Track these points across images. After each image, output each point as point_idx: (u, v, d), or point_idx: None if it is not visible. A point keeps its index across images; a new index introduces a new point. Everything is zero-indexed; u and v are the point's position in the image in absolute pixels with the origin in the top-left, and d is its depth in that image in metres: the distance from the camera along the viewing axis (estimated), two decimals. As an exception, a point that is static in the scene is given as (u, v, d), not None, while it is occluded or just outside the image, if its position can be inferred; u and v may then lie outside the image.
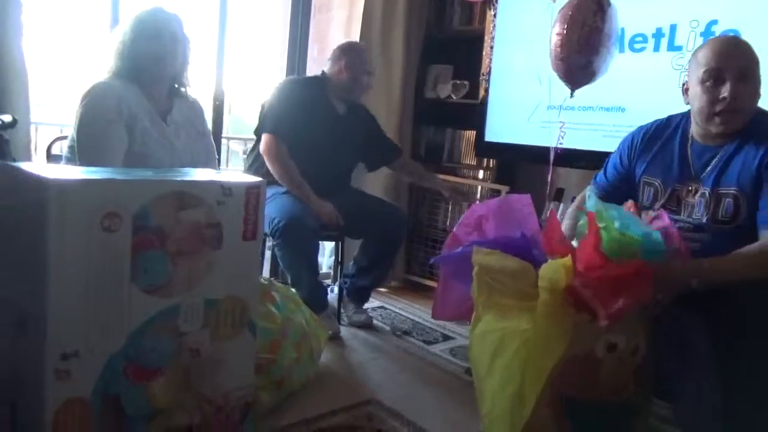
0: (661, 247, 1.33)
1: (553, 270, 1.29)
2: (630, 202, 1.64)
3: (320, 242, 2.48)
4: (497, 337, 1.35)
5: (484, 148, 2.89)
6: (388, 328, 2.50)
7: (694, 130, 1.54)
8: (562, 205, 2.29)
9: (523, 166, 2.91)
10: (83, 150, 1.75)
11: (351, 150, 2.53)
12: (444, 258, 1.66)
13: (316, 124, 2.36)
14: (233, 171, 3.78)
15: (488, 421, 1.38)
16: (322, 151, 2.37)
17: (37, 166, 1.19)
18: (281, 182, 2.29)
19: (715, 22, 2.11)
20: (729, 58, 1.43)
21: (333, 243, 2.82)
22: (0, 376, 1.19)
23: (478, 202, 1.66)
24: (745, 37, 2.04)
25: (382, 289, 2.98)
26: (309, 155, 2.33)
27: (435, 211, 3.13)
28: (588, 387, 1.33)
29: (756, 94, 1.47)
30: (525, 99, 2.66)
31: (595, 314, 1.24)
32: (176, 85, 1.96)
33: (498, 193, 2.82)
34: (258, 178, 1.31)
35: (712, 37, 1.60)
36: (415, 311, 2.75)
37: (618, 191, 1.68)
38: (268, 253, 2.54)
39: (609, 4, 1.83)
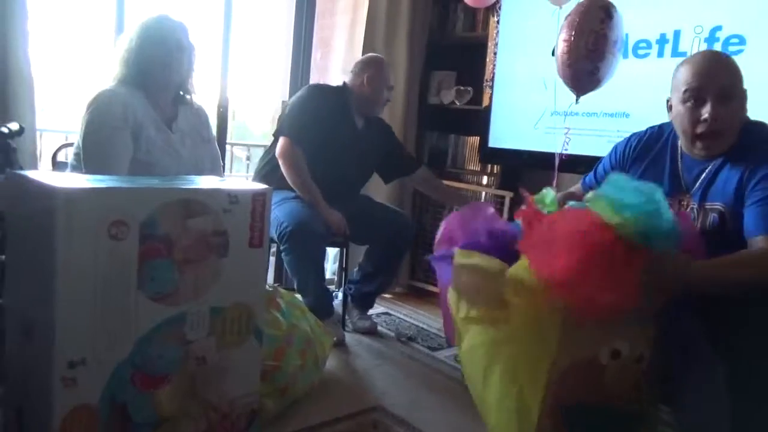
0: (671, 231, 1.23)
1: (520, 271, 1.25)
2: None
3: (326, 248, 2.48)
4: (484, 352, 1.33)
5: (488, 154, 2.89)
6: (392, 334, 2.50)
7: (682, 144, 1.52)
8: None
9: (527, 172, 2.91)
10: (89, 157, 1.76)
11: (366, 164, 2.53)
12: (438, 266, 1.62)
13: (334, 134, 2.36)
14: (237, 177, 3.79)
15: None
16: (336, 162, 2.37)
17: (44, 174, 1.20)
18: (293, 186, 2.28)
19: (719, 28, 2.11)
20: (709, 78, 1.39)
21: (337, 249, 2.82)
22: (7, 382, 1.19)
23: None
24: (750, 43, 2.05)
25: (387, 295, 2.97)
26: (323, 164, 2.32)
27: (439, 217, 3.13)
28: (591, 394, 1.32)
29: (740, 111, 1.43)
30: (528, 105, 2.66)
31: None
32: (181, 93, 1.96)
33: (502, 198, 2.82)
34: (264, 186, 1.31)
35: (693, 54, 1.54)
36: (420, 317, 2.74)
37: None
38: (272, 259, 2.54)
39: (615, 11, 1.84)
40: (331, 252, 3.03)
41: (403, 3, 2.99)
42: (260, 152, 3.80)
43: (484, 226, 1.45)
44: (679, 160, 1.52)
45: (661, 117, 1.70)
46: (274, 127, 2.49)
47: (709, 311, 1.28)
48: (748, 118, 1.47)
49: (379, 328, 2.53)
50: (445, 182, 2.90)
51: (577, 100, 1.93)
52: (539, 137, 2.61)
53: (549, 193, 1.52)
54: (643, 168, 1.59)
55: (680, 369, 1.36)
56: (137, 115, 1.79)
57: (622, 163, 1.65)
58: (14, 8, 2.03)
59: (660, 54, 2.27)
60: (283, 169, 2.29)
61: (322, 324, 1.98)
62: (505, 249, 1.38)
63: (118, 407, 1.12)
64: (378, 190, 2.89)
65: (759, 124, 1.48)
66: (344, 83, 2.50)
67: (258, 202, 1.26)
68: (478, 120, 2.90)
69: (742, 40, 2.07)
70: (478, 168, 3.06)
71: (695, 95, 1.40)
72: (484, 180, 3.05)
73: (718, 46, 2.12)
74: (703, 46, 2.15)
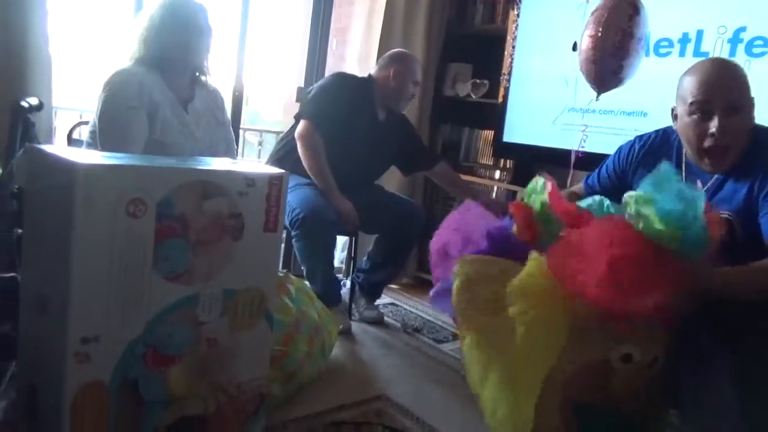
0: (703, 239, 1.20)
1: (524, 280, 1.21)
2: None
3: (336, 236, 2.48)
4: (485, 356, 1.32)
5: (502, 149, 2.87)
6: (398, 325, 2.50)
7: (688, 154, 1.49)
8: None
9: (540, 168, 2.89)
10: (105, 136, 1.76)
11: (383, 156, 2.53)
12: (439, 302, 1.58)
13: (355, 124, 2.35)
14: (251, 161, 3.79)
15: (492, 425, 1.37)
16: (354, 151, 2.36)
17: (63, 149, 1.20)
18: (308, 169, 2.28)
19: (743, 29, 2.08)
20: (717, 91, 1.34)
21: (346, 237, 2.82)
22: (21, 357, 1.20)
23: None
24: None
25: (394, 286, 2.98)
26: (341, 152, 2.32)
27: (449, 209, 3.12)
28: (601, 396, 1.31)
29: (748, 123, 1.39)
30: (545, 100, 2.64)
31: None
32: (197, 74, 1.96)
33: (514, 194, 2.81)
34: (280, 170, 1.31)
35: (700, 61, 1.46)
36: (426, 309, 2.74)
37: (607, 195, 1.64)
38: (281, 245, 2.54)
39: (642, 7, 1.81)
40: (340, 240, 3.03)
41: (422, -7, 2.97)
42: (272, 138, 3.81)
43: (478, 228, 1.43)
44: (684, 168, 1.50)
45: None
46: (287, 116, 2.49)
47: (718, 315, 1.27)
48: (755, 123, 1.43)
49: (386, 318, 2.54)
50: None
51: (597, 97, 1.90)
52: (554, 133, 2.59)
53: (540, 181, 1.45)
54: (647, 175, 1.55)
55: (688, 373, 1.35)
56: (153, 96, 1.79)
57: (625, 166, 1.62)
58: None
59: (682, 53, 2.25)
60: (300, 151, 2.28)
61: (329, 311, 1.99)
62: (504, 248, 1.37)
63: (129, 385, 1.12)
64: (390, 179, 2.88)
65: (766, 130, 1.44)
66: (370, 75, 2.49)
67: (274, 187, 1.26)
68: (493, 113, 2.88)
69: (766, 42, 2.04)
70: (491, 162, 3.05)
71: (702, 108, 1.35)
72: (497, 174, 3.04)
73: (741, 48, 2.09)
74: (726, 47, 2.12)
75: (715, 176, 1.43)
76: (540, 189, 1.44)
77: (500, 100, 2.84)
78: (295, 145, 2.30)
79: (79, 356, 1.05)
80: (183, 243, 1.14)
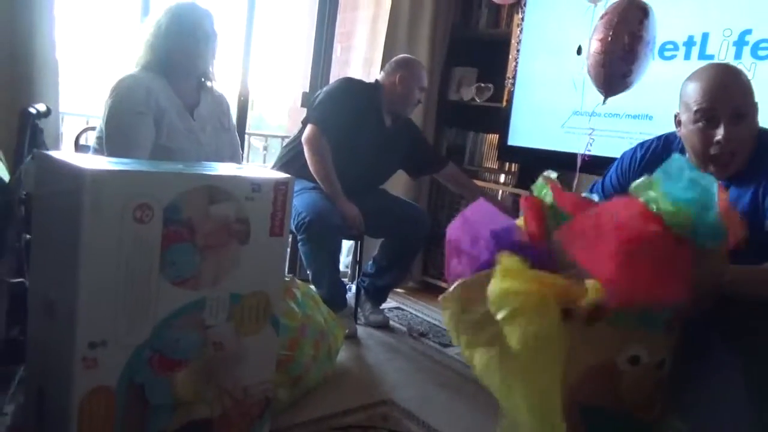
0: (719, 227, 1.15)
1: (507, 284, 1.13)
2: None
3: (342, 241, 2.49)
4: (501, 371, 1.29)
5: (507, 152, 2.87)
6: (404, 329, 2.50)
7: (692, 161, 1.45)
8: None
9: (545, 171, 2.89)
10: (111, 141, 1.77)
11: (389, 161, 2.53)
12: None
13: (361, 129, 2.36)
14: (256, 165, 3.80)
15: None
16: (360, 156, 2.37)
17: (71, 155, 1.21)
18: (314, 174, 2.29)
19: (749, 31, 2.08)
20: (722, 98, 1.32)
21: (352, 241, 2.83)
22: (29, 361, 1.21)
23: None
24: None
25: (399, 290, 2.98)
26: (347, 157, 2.33)
27: (454, 213, 3.12)
28: (609, 399, 1.31)
29: (753, 128, 1.37)
30: (550, 104, 2.64)
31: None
32: (203, 80, 1.97)
33: (519, 197, 2.80)
34: (286, 175, 1.31)
35: (703, 67, 1.43)
36: (432, 313, 2.74)
37: None
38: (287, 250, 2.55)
39: (651, 11, 1.81)
40: (346, 244, 3.03)
41: (427, -2, 2.98)
42: (277, 143, 3.82)
43: (487, 227, 1.42)
44: None
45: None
46: (292, 121, 2.50)
47: (727, 315, 1.26)
48: (758, 127, 1.42)
49: (391, 322, 2.54)
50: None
51: (604, 101, 1.90)
52: (559, 136, 2.59)
53: (552, 174, 1.42)
54: None
55: (696, 375, 1.34)
56: (160, 101, 1.80)
57: (628, 174, 1.60)
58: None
59: (687, 56, 2.24)
60: (306, 155, 2.29)
61: (335, 316, 1.99)
62: (510, 248, 1.35)
63: (136, 389, 1.13)
64: (395, 184, 2.88)
65: None
66: (376, 81, 2.50)
67: (280, 191, 1.26)
68: (497, 117, 2.88)
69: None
70: (495, 166, 3.05)
71: (707, 116, 1.34)
72: (502, 178, 3.04)
73: (747, 51, 2.08)
74: (732, 50, 2.11)
75: (719, 181, 1.42)
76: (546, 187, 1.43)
77: (505, 103, 2.84)
78: (302, 149, 2.31)
79: (86, 361, 1.06)
80: (190, 248, 1.14)
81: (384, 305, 2.62)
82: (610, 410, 1.30)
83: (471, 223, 1.42)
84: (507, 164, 3.01)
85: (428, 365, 2.16)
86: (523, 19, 2.76)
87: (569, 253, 1.19)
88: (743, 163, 1.38)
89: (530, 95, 2.75)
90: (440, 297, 1.28)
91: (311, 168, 2.28)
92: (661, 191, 1.18)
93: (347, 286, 2.61)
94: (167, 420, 1.18)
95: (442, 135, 3.22)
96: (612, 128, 2.42)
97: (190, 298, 1.16)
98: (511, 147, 2.82)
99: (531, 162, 2.84)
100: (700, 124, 1.36)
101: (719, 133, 1.33)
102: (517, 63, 2.78)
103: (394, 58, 2.55)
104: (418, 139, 2.64)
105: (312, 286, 2.17)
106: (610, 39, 1.77)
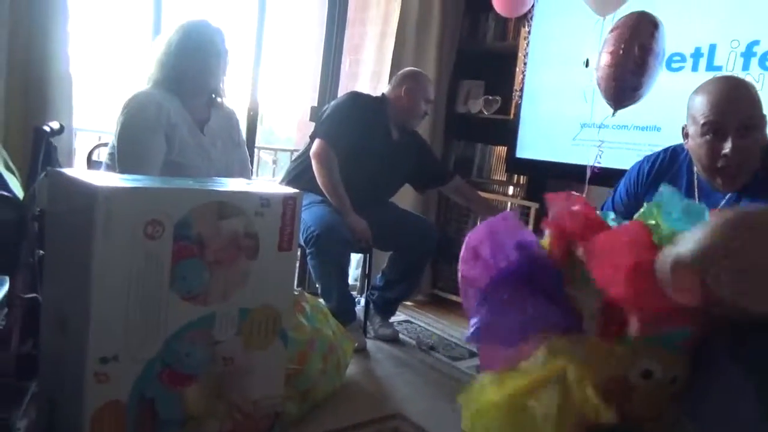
0: None
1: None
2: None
3: (351, 254, 2.49)
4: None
5: (515, 165, 2.88)
6: (413, 342, 2.49)
7: (700, 173, 1.46)
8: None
9: (554, 184, 2.89)
10: (123, 157, 1.80)
11: (397, 175, 2.55)
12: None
13: (369, 142, 2.38)
14: (265, 180, 3.83)
15: None
16: (368, 170, 2.39)
17: (84, 172, 1.23)
18: (322, 187, 2.31)
19: (756, 42, 2.08)
20: (729, 111, 1.32)
21: (360, 255, 2.83)
22: (42, 377, 1.22)
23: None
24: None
25: (408, 303, 2.97)
26: (355, 170, 2.34)
27: (462, 226, 3.12)
28: (618, 414, 1.29)
29: (761, 141, 1.36)
30: (557, 116, 2.64)
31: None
32: (213, 96, 2.00)
33: (528, 210, 2.80)
34: (294, 190, 1.32)
35: (710, 79, 1.44)
36: (441, 326, 2.73)
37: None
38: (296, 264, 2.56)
39: (661, 24, 1.81)
40: (355, 258, 3.04)
41: (434, 12, 3.00)
42: (286, 156, 3.85)
43: (512, 238, 1.42)
44: (696, 187, 1.47)
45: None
46: (301, 134, 2.52)
47: (735, 326, 1.24)
48: (766, 140, 1.41)
49: (401, 335, 2.53)
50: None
51: (614, 113, 1.90)
52: (567, 149, 2.59)
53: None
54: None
55: (704, 386, 1.33)
56: (171, 117, 1.83)
57: (637, 189, 1.59)
58: (56, 10, 2.09)
59: (694, 68, 2.25)
60: (315, 169, 2.31)
61: (344, 329, 1.99)
62: (532, 262, 1.35)
63: (147, 404, 1.14)
64: (403, 197, 2.89)
65: None
66: (383, 94, 2.52)
67: (289, 206, 1.27)
68: (506, 130, 2.89)
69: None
70: (504, 178, 3.05)
71: (714, 129, 1.34)
72: (510, 190, 3.04)
73: (755, 62, 2.08)
74: (740, 61, 2.11)
75: (728, 195, 1.41)
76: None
77: (512, 116, 2.85)
78: (310, 163, 2.33)
79: (98, 376, 1.07)
80: (200, 263, 1.16)
81: (393, 318, 2.62)
82: (622, 426, 1.29)
83: (495, 232, 1.42)
84: (515, 176, 3.01)
85: (438, 378, 2.15)
86: (530, 32, 2.77)
87: (588, 271, 1.19)
88: (753, 175, 1.37)
89: (538, 107, 2.75)
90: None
91: (319, 182, 2.30)
92: (658, 221, 1.20)
93: (356, 300, 2.61)
94: (177, 434, 1.18)
95: (450, 148, 3.23)
96: (620, 140, 2.41)
97: (199, 313, 1.17)
98: (519, 159, 2.82)
99: (539, 174, 2.84)
100: (707, 137, 1.36)
101: (726, 146, 1.33)
102: (524, 75, 2.79)
103: (400, 72, 2.57)
104: (425, 152, 2.65)
105: (321, 300, 2.17)
106: (621, 52, 1.78)
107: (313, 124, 2.56)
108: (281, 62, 3.76)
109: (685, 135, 1.46)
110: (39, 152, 1.27)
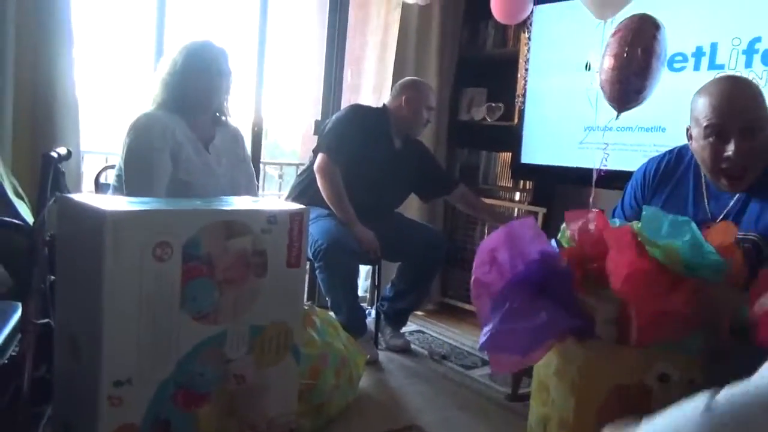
0: (717, 264, 1.19)
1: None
2: None
3: (359, 266, 2.49)
4: None
5: (521, 170, 2.87)
6: (425, 352, 2.48)
7: (705, 174, 1.45)
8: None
9: (560, 188, 2.88)
10: (130, 179, 1.81)
11: (402, 185, 2.55)
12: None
13: (372, 154, 2.39)
14: (270, 195, 3.84)
15: None
16: (373, 181, 2.39)
17: (92, 197, 1.24)
18: (328, 201, 2.31)
19: (758, 39, 2.07)
20: (732, 114, 1.31)
21: (369, 266, 2.83)
22: (56, 402, 1.23)
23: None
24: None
25: (419, 313, 2.96)
26: (360, 183, 2.35)
27: (471, 233, 3.11)
28: (637, 419, 1.28)
29: (765, 141, 1.35)
30: (561, 120, 2.64)
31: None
32: (217, 114, 2.01)
33: (535, 215, 2.79)
34: (301, 206, 1.33)
35: (713, 81, 1.42)
36: (453, 335, 2.72)
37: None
38: (306, 277, 2.56)
39: (662, 24, 1.81)
40: (364, 269, 3.04)
41: (434, 22, 3.02)
42: (292, 170, 3.86)
43: (531, 244, 1.41)
44: (704, 188, 1.46)
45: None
46: (305, 147, 2.53)
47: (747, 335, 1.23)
48: None
49: (412, 346, 2.52)
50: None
51: (617, 116, 1.90)
52: (573, 152, 2.59)
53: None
54: (664, 198, 1.52)
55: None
56: (176, 137, 1.84)
57: (644, 191, 1.58)
58: (62, 36, 2.12)
59: (696, 67, 2.24)
60: (319, 184, 2.32)
61: (355, 342, 1.99)
62: (549, 269, 1.35)
63: (161, 426, 1.14)
64: (410, 207, 2.90)
65: None
66: (384, 105, 2.53)
67: (296, 222, 1.28)
68: (510, 136, 2.89)
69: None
70: (510, 184, 3.05)
71: (717, 131, 1.33)
72: (517, 196, 3.04)
73: (757, 59, 2.07)
74: (742, 59, 2.10)
75: (736, 197, 1.40)
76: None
77: (516, 122, 2.85)
78: (314, 177, 2.34)
79: (112, 400, 1.07)
80: (209, 282, 1.16)
81: (404, 329, 2.61)
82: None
83: (514, 238, 1.42)
84: (522, 182, 3.01)
85: (451, 388, 2.14)
86: (529, 38, 2.78)
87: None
88: (756, 176, 1.36)
89: (541, 112, 2.75)
90: None
91: (325, 196, 2.30)
92: (647, 239, 1.21)
93: (366, 311, 2.61)
94: (192, 455, 1.18)
95: (455, 156, 3.23)
96: (625, 141, 2.41)
97: (211, 332, 1.17)
98: (525, 165, 2.82)
99: (545, 179, 2.83)
100: (710, 139, 1.35)
101: (729, 149, 1.32)
102: (526, 81, 2.79)
103: (400, 81, 2.58)
104: (429, 161, 2.65)
105: (331, 313, 2.17)
106: (625, 55, 1.77)
107: (317, 137, 2.57)
108: (284, 76, 3.78)
109: (689, 136, 1.45)
110: (47, 178, 1.28)
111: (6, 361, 1.24)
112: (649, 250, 1.21)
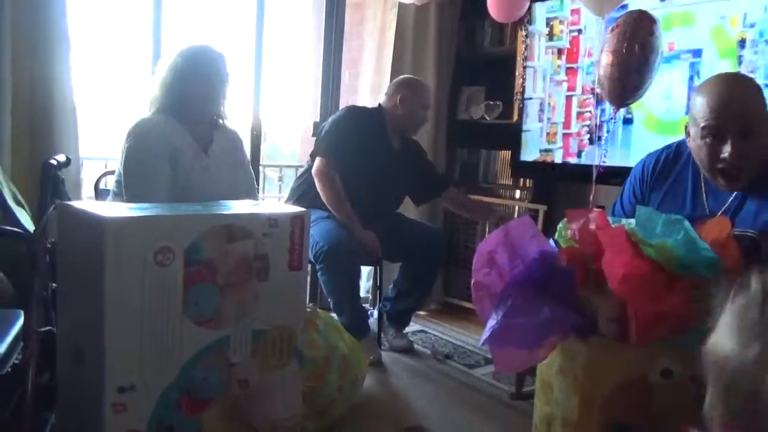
0: (712, 261, 1.20)
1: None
2: None
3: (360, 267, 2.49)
4: None
5: (520, 168, 2.87)
6: (428, 352, 2.48)
7: (703, 171, 1.45)
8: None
9: (560, 185, 2.88)
10: (130, 184, 1.81)
11: (401, 185, 2.55)
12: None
13: (370, 155, 2.38)
14: (270, 198, 3.84)
15: None
16: (372, 182, 2.39)
17: (92, 204, 1.24)
18: (328, 205, 2.31)
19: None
20: (729, 116, 1.31)
21: (371, 267, 2.83)
22: (60, 409, 1.22)
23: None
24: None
25: (422, 313, 2.96)
26: (359, 184, 2.35)
27: (472, 232, 3.11)
28: (642, 414, 1.28)
29: (763, 141, 1.34)
30: (558, 117, 2.64)
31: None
32: (215, 117, 2.01)
33: (536, 212, 2.79)
34: (301, 209, 1.33)
35: (711, 79, 1.41)
36: (456, 335, 2.72)
37: None
38: (307, 279, 2.56)
39: (657, 20, 1.81)
40: (365, 270, 3.03)
41: (431, 21, 3.01)
42: (291, 172, 3.86)
43: (528, 244, 1.40)
44: (703, 185, 1.46)
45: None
46: (304, 148, 2.53)
47: None
48: None
49: (415, 346, 2.52)
50: (478, 197, 2.88)
51: (616, 112, 1.90)
52: (571, 149, 2.58)
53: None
54: (662, 194, 1.52)
55: None
56: (175, 143, 1.84)
57: (643, 187, 1.58)
58: (59, 40, 2.12)
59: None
60: (318, 187, 2.32)
61: (358, 343, 1.99)
62: (549, 267, 1.35)
63: (165, 430, 1.14)
64: (410, 206, 2.89)
65: None
66: (380, 105, 2.53)
67: (297, 225, 1.27)
68: (509, 134, 2.89)
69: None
70: (510, 182, 3.05)
71: (714, 133, 1.33)
72: (517, 194, 3.03)
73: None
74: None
75: (735, 194, 1.40)
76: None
77: (515, 119, 2.85)
78: (313, 181, 2.34)
79: (116, 406, 1.07)
80: (211, 287, 1.16)
81: (407, 329, 2.61)
82: (646, 426, 1.28)
83: (512, 238, 1.42)
84: (522, 180, 3.01)
85: (455, 387, 2.14)
86: (526, 35, 2.77)
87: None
88: (754, 174, 1.36)
89: (539, 110, 2.75)
90: None
91: (324, 199, 2.30)
92: (641, 238, 1.22)
93: (369, 312, 2.61)
94: (197, 460, 1.18)
95: (454, 155, 3.23)
96: (624, 137, 2.40)
97: (213, 336, 1.17)
98: (524, 162, 2.82)
99: (545, 176, 2.83)
100: (707, 140, 1.35)
101: (726, 150, 1.32)
102: (524, 79, 2.79)
103: (395, 80, 2.57)
104: (423, 162, 2.64)
105: (334, 315, 2.17)
106: (624, 51, 1.77)
107: (315, 140, 2.57)
108: (281, 79, 3.78)
109: (688, 133, 1.45)
110: (47, 186, 1.28)
111: (9, 369, 1.24)
112: (644, 250, 1.21)
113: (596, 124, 2.37)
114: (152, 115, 1.89)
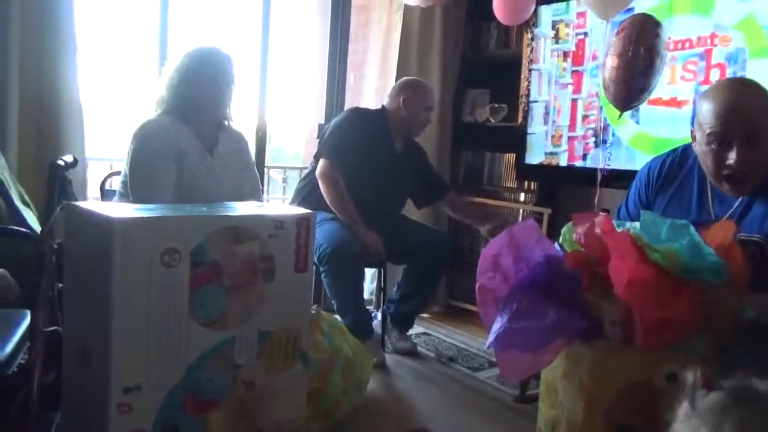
0: (717, 266, 1.20)
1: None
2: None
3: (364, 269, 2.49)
4: None
5: (525, 171, 2.87)
6: (432, 354, 2.48)
7: (708, 176, 1.45)
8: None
9: (565, 188, 2.87)
10: (136, 185, 1.82)
11: (404, 186, 2.55)
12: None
13: (373, 157, 2.38)
14: (274, 199, 3.85)
15: None
16: (375, 184, 2.39)
17: (99, 205, 1.24)
18: (331, 206, 2.31)
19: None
20: (734, 122, 1.30)
21: (375, 269, 2.83)
22: (65, 408, 1.23)
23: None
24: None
25: (425, 315, 2.96)
26: (362, 186, 2.35)
27: (476, 234, 3.10)
28: (646, 418, 1.28)
29: None
30: (563, 120, 2.63)
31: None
32: (222, 119, 2.02)
33: (541, 215, 2.79)
34: (307, 210, 1.33)
35: (717, 85, 1.42)
36: (460, 337, 2.72)
37: None
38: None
39: (662, 25, 1.81)
40: (369, 272, 3.03)
41: (436, 23, 3.02)
42: (296, 174, 3.87)
43: (533, 248, 1.40)
44: (709, 189, 1.45)
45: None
46: (309, 150, 2.53)
47: (759, 343, 1.23)
48: None
49: (419, 348, 2.52)
50: (483, 200, 2.88)
51: (620, 115, 1.90)
52: (576, 152, 2.58)
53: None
54: (668, 198, 1.52)
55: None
56: (181, 144, 1.85)
57: (648, 190, 1.57)
58: (65, 42, 2.13)
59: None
60: (322, 189, 2.32)
61: (362, 345, 1.99)
62: (554, 271, 1.35)
63: (170, 431, 1.14)
64: (413, 208, 2.89)
65: None
66: (383, 106, 2.53)
67: (302, 227, 1.28)
68: (514, 137, 2.89)
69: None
70: (514, 185, 3.04)
71: (720, 139, 1.32)
72: (522, 197, 3.03)
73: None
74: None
75: (741, 198, 1.40)
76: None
77: (520, 122, 2.85)
78: (317, 182, 2.34)
79: (122, 407, 1.07)
80: (217, 289, 1.16)
81: (411, 331, 2.61)
82: (651, 430, 1.27)
83: (516, 242, 1.42)
84: (526, 183, 3.00)
85: (459, 390, 2.13)
86: (532, 38, 2.77)
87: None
88: (760, 181, 1.36)
89: (544, 113, 2.75)
90: None
91: (328, 201, 2.31)
92: (647, 243, 1.22)
93: (373, 314, 2.61)
94: (202, 461, 1.18)
95: (459, 157, 3.22)
96: (629, 141, 2.40)
97: (219, 338, 1.18)
98: (529, 165, 2.81)
99: (550, 179, 2.83)
100: (712, 146, 1.34)
101: (731, 157, 1.31)
102: (529, 82, 2.79)
103: (398, 82, 2.57)
104: (425, 165, 2.64)
105: (337, 317, 2.17)
106: (630, 54, 1.77)
107: (318, 142, 2.57)
108: (286, 80, 3.79)
109: (693, 138, 1.45)
110: (55, 186, 1.29)
111: (15, 369, 1.24)
112: (649, 255, 1.21)
113: (601, 127, 2.36)
114: (158, 116, 1.89)
